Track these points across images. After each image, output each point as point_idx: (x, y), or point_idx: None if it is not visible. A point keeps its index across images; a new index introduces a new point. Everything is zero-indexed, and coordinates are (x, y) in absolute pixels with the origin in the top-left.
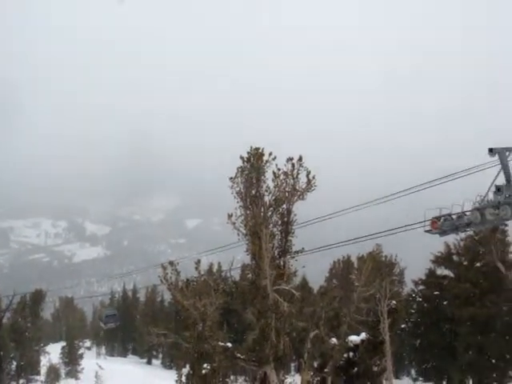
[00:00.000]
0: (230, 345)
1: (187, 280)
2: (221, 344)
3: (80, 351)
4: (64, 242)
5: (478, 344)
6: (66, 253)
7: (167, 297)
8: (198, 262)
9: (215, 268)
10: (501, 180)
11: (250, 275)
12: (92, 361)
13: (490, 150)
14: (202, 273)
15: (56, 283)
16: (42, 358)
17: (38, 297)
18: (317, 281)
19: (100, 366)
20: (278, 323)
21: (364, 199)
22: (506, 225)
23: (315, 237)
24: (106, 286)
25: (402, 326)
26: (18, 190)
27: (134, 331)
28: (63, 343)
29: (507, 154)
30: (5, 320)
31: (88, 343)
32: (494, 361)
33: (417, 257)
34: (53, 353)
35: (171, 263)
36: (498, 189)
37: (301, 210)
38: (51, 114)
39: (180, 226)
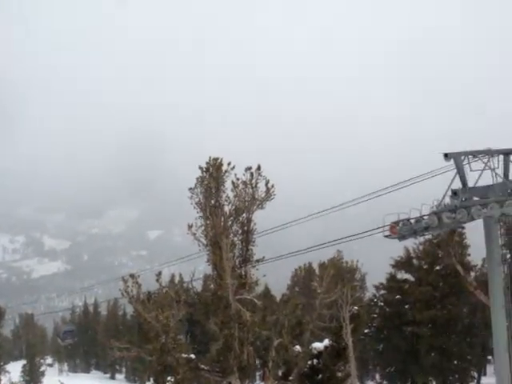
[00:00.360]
0: (193, 356)
1: (149, 292)
2: (184, 356)
3: (41, 368)
4: (22, 257)
5: (440, 346)
6: (24, 268)
7: (129, 310)
8: (159, 273)
9: (177, 279)
10: (457, 184)
11: (211, 286)
12: (54, 378)
13: (446, 155)
14: (164, 284)
15: (15, 299)
16: (1, 377)
17: None
18: (279, 289)
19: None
20: (241, 333)
21: (329, 205)
22: (464, 227)
23: (277, 245)
24: (66, 301)
25: (365, 330)
26: None
27: (97, 346)
28: (24, 361)
29: (462, 158)
30: None
31: (50, 360)
32: (456, 362)
33: (378, 262)
34: (13, 371)
35: (132, 276)
36: (455, 193)
37: (262, 218)
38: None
39: (141, 238)
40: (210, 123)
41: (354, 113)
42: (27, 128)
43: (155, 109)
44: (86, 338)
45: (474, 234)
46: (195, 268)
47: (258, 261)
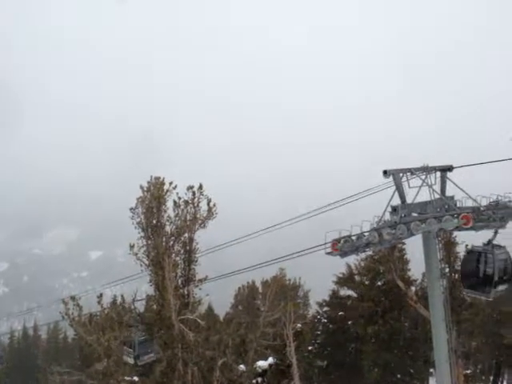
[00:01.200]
0: (136, 379)
1: (90, 314)
2: (127, 378)
3: None
4: None
5: (383, 361)
6: None
7: (70, 333)
8: (100, 295)
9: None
10: (396, 200)
11: (154, 306)
12: None
13: (385, 172)
14: (106, 306)
15: None
16: None
17: None
18: (223, 308)
19: None
20: (185, 353)
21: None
22: (404, 243)
23: (220, 264)
24: (4, 325)
25: (309, 347)
26: None
27: (37, 371)
28: None
29: (401, 175)
30: None
31: None
32: (399, 376)
33: (321, 278)
34: None
35: (73, 298)
36: (394, 209)
37: (206, 236)
38: None
39: (82, 259)
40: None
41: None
42: None
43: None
44: (25, 363)
45: (414, 249)
46: (137, 288)
47: (200, 280)
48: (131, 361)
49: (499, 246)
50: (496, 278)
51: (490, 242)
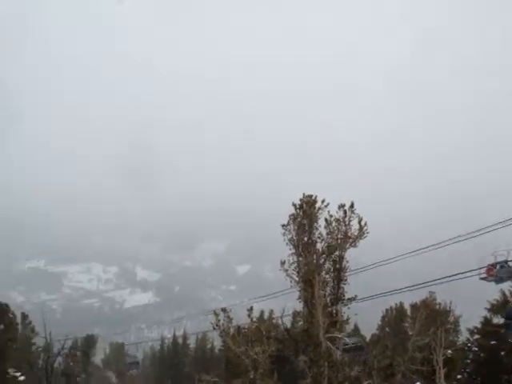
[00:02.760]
0: None
1: (238, 327)
2: None
3: None
4: (115, 287)
5: None
6: (117, 298)
7: (217, 343)
8: (251, 309)
9: (266, 315)
10: None
11: (301, 322)
12: None
13: None
14: (254, 320)
15: (107, 328)
16: None
17: (89, 342)
18: (369, 329)
19: None
20: (331, 372)
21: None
22: None
23: (368, 284)
24: (155, 332)
25: (458, 376)
26: (72, 234)
27: (185, 378)
28: None
29: None
30: (56, 364)
31: None
32: None
33: (471, 304)
34: None
35: (224, 310)
36: None
37: (353, 256)
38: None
39: (230, 272)
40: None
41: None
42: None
43: None
44: (174, 370)
45: None
46: (285, 304)
47: (350, 299)
48: None
49: None
50: None
51: None
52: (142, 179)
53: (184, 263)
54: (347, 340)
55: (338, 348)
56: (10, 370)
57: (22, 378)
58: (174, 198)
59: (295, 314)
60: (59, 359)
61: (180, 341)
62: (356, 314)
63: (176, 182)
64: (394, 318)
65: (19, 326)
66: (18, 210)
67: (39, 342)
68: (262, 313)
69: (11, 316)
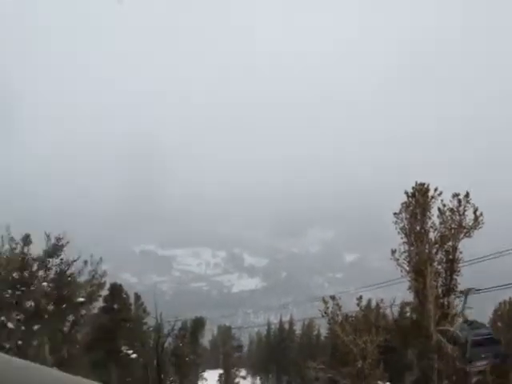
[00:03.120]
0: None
1: (346, 315)
2: (379, 383)
3: (236, 380)
4: (223, 272)
5: None
6: (225, 283)
7: (323, 331)
8: (360, 297)
9: (374, 304)
10: None
11: (409, 314)
12: None
13: None
14: (361, 309)
15: (215, 312)
16: (199, 383)
17: (198, 324)
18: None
19: None
20: (441, 365)
21: None
22: None
23: (482, 275)
24: (261, 317)
25: None
26: (182, 218)
27: (290, 364)
28: (220, 371)
29: None
30: (166, 344)
31: (243, 373)
32: None
33: None
34: (210, 379)
35: (332, 297)
36: None
37: (467, 247)
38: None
39: (337, 260)
40: None
41: None
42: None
43: None
44: (279, 355)
45: None
46: (395, 294)
47: (462, 292)
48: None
49: None
50: None
51: None
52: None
53: (291, 249)
54: (477, 331)
55: (466, 340)
56: (123, 348)
57: (134, 355)
58: (279, 185)
59: (404, 305)
60: (169, 339)
61: (286, 327)
62: (471, 308)
63: (285, 168)
64: (508, 312)
65: (132, 307)
66: (134, 200)
67: (150, 322)
68: (369, 302)
69: (125, 296)
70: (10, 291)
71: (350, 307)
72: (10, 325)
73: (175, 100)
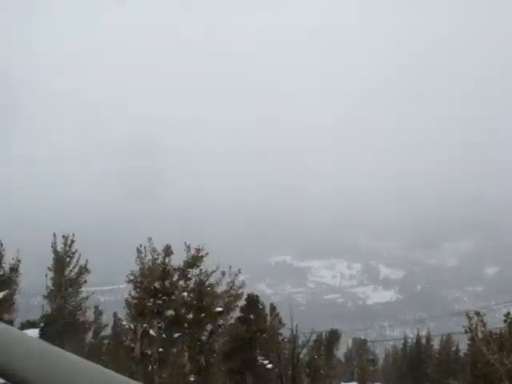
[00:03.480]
0: None
1: (490, 332)
2: None
3: None
4: (358, 284)
5: None
6: (359, 295)
7: (462, 347)
8: (508, 314)
9: None
10: None
11: None
12: None
13: None
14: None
15: (349, 324)
16: None
17: (333, 336)
18: None
19: None
20: None
21: None
22: None
23: None
24: (397, 330)
25: None
26: (313, 230)
27: (427, 379)
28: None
29: None
30: (301, 356)
31: None
32: None
33: None
34: None
35: (477, 313)
36: None
37: None
38: None
39: (476, 273)
40: None
41: None
42: None
43: None
44: (415, 371)
45: None
46: None
47: None
48: None
49: None
50: None
51: None
52: None
53: (428, 261)
54: None
55: None
56: (259, 358)
57: (269, 365)
58: (415, 196)
59: None
60: (304, 351)
61: (423, 341)
62: None
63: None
64: None
65: (268, 317)
66: (270, 211)
67: (285, 333)
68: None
69: (261, 307)
70: (151, 300)
71: (492, 323)
72: (151, 332)
73: None
